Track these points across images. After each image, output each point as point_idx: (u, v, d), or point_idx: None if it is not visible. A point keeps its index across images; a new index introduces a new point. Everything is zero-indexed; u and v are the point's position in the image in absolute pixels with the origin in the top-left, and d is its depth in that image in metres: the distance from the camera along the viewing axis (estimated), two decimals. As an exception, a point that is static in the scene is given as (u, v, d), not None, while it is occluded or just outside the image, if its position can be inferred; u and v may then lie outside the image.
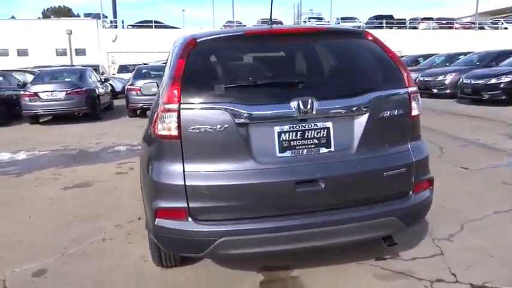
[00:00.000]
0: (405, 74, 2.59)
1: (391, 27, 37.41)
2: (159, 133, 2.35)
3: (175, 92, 2.31)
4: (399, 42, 35.24)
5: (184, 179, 2.32)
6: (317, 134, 2.42)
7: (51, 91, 11.10)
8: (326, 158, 2.43)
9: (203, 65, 2.47)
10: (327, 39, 2.78)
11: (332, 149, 2.45)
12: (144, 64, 16.89)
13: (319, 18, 39.22)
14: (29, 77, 13.82)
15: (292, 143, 2.39)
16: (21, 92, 11.20)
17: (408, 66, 18.54)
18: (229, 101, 2.31)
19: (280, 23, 34.08)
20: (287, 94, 2.36)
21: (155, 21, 32.95)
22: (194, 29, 33.37)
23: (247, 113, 2.31)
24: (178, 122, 2.30)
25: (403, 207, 2.53)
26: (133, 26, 34.53)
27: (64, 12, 61.60)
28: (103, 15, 35.63)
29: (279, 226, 2.35)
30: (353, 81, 2.55)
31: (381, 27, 36.82)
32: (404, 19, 39.31)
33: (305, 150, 2.41)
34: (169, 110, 2.31)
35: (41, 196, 4.97)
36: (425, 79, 14.90)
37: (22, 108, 11.13)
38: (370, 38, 2.68)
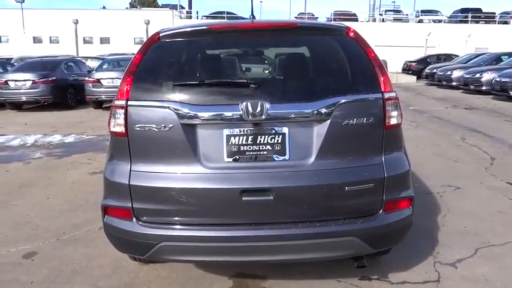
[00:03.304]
0: (381, 78, 2.27)
1: (477, 22, 34.47)
2: (111, 129, 2.31)
3: (125, 88, 2.25)
4: (486, 38, 32.46)
5: (129, 179, 2.26)
6: (271, 140, 2.21)
7: (113, 78, 11.68)
8: (279, 166, 2.22)
9: (159, 61, 2.37)
10: (299, 36, 2.52)
11: (287, 157, 2.22)
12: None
13: (397, 11, 37.25)
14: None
15: (242, 148, 2.22)
16: (86, 78, 11.95)
17: (486, 64, 17.11)
18: (175, 100, 2.20)
19: (312, 15, 32.65)
20: (237, 95, 2.18)
21: (227, 12, 33.45)
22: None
23: (193, 114, 2.18)
24: (125, 119, 2.24)
25: (367, 228, 2.24)
26: (207, 17, 35.33)
27: (149, 2, 64.80)
28: (180, 6, 36.93)
29: (222, 236, 2.20)
30: (315, 84, 2.28)
31: (466, 22, 34.12)
32: (494, 13, 35.99)
33: (256, 157, 2.22)
34: (118, 107, 2.26)
35: (66, 179, 5.24)
36: (503, 80, 13.53)
37: (86, 93, 11.88)
38: (351, 35, 2.39)
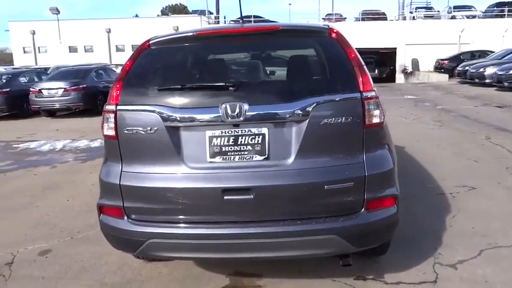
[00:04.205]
0: (360, 78, 2.28)
1: (514, 16, 33.07)
2: (104, 133, 2.44)
3: (115, 93, 2.38)
4: (524, 33, 31.10)
5: (120, 179, 2.39)
6: (251, 141, 2.28)
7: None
8: (259, 166, 2.28)
9: (148, 67, 2.48)
10: (281, 38, 2.58)
11: (267, 157, 2.28)
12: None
13: (428, 8, 36.29)
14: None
15: (223, 148, 2.30)
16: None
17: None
18: (159, 104, 2.31)
19: (341, 16, 31.90)
20: (218, 98, 2.26)
21: (255, 16, 33.67)
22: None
23: (176, 116, 2.29)
24: (115, 123, 2.37)
25: (348, 226, 2.26)
26: (234, 21, 35.68)
27: (180, 9, 66.04)
28: (209, 11, 37.48)
29: (205, 234, 2.28)
30: (294, 85, 2.33)
31: (502, 16, 32.82)
32: (533, 6, 34.39)
33: (237, 157, 2.30)
34: (109, 111, 2.39)
35: (87, 182, 5.48)
36: None
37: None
38: (333, 36, 2.42)
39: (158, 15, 55.54)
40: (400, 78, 29.93)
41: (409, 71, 29.58)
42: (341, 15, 34.04)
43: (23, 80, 13.97)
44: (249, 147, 2.28)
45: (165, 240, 2.34)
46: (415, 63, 29.71)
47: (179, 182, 2.31)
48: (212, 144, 2.30)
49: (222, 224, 2.30)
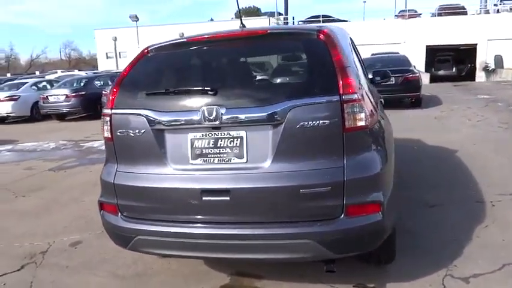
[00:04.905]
0: (340, 81, 2.21)
1: None
2: (104, 135, 2.63)
3: (111, 98, 2.56)
4: None
5: (114, 178, 2.55)
6: (230, 143, 2.32)
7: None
8: (237, 169, 2.31)
9: (142, 72, 2.61)
10: (269, 42, 2.57)
11: (245, 160, 2.30)
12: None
13: (516, 0, 33.16)
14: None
15: (204, 150, 2.36)
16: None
17: None
18: (146, 108, 2.43)
19: (415, 12, 29.78)
20: (198, 102, 2.33)
21: (323, 16, 33.24)
22: (362, 22, 32.40)
23: (160, 120, 2.39)
24: (110, 126, 2.54)
25: (325, 232, 2.20)
26: (304, 22, 35.52)
27: (253, 12, 67.24)
28: (278, 13, 37.68)
29: (186, 232, 2.36)
30: (272, 88, 2.31)
31: None
32: None
33: (217, 159, 2.35)
34: (106, 115, 2.57)
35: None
36: None
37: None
38: (321, 37, 2.37)
39: (232, 18, 57.01)
40: (481, 76, 27.75)
41: (491, 69, 27.31)
42: (415, 11, 32.34)
43: (98, 83, 15.20)
44: (228, 150, 2.33)
45: (150, 237, 2.47)
46: (499, 60, 27.33)
47: (163, 182, 2.42)
48: (194, 146, 2.38)
49: (202, 224, 2.37)
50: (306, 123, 2.20)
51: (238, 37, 2.62)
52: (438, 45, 28.87)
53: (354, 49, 3.08)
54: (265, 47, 2.60)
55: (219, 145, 2.34)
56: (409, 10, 32.10)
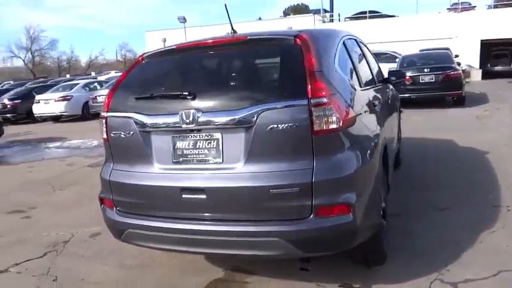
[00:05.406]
0: (309, 85, 2.26)
1: None
2: (102, 136, 2.85)
3: (107, 101, 2.78)
4: None
5: (110, 175, 2.78)
6: (208, 145, 2.45)
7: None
8: (214, 169, 2.44)
9: (135, 78, 2.82)
10: (248, 48, 2.66)
11: (221, 160, 2.43)
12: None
13: None
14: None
15: (185, 151, 2.51)
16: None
17: None
18: (135, 111, 2.62)
19: (469, 5, 27.84)
20: (178, 106, 2.47)
21: (370, 11, 32.44)
22: (411, 16, 31.23)
23: (146, 122, 2.58)
24: (106, 128, 2.76)
25: (294, 231, 2.27)
26: (350, 18, 34.89)
27: (301, 9, 66.85)
28: (324, 10, 37.25)
29: (169, 228, 2.53)
30: (245, 93, 2.39)
31: None
32: None
33: (196, 160, 2.49)
34: (102, 117, 2.80)
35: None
36: None
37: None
38: (298, 42, 2.44)
39: (281, 17, 56.95)
40: (543, 72, 25.95)
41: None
42: (469, 4, 30.78)
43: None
44: (206, 151, 2.47)
45: (139, 231, 2.67)
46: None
47: (150, 180, 2.60)
48: (176, 147, 2.54)
49: (183, 220, 2.52)
50: (276, 126, 2.29)
51: (221, 44, 2.76)
52: (494, 40, 27.27)
53: (348, 52, 3.10)
54: (245, 53, 2.70)
55: (198, 146, 2.49)
56: (462, 3, 30.59)
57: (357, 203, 2.35)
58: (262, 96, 2.35)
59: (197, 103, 2.44)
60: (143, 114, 2.60)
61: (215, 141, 2.45)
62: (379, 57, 17.23)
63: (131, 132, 2.64)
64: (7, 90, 19.69)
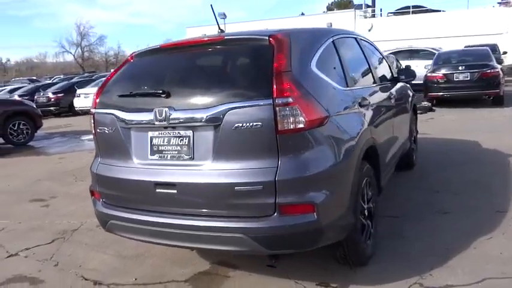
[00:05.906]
0: (275, 85, 2.28)
1: None
2: (92, 131, 3.02)
3: (95, 98, 2.94)
4: None
5: (97, 168, 2.94)
6: (180, 142, 2.54)
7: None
8: (185, 165, 2.53)
9: (122, 77, 2.95)
10: (223, 48, 2.72)
11: (192, 157, 2.51)
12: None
13: None
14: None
15: (160, 147, 2.61)
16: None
17: None
18: (117, 108, 2.76)
19: (508, 2, 25.80)
20: (154, 103, 2.57)
21: (414, 6, 31.42)
22: (458, 11, 29.93)
23: (125, 119, 2.71)
24: (94, 123, 2.92)
25: (257, 228, 2.31)
26: (393, 14, 33.97)
27: (345, 4, 65.67)
28: (366, 5, 36.48)
29: (143, 220, 2.64)
30: (215, 92, 2.44)
31: None
32: None
33: (169, 156, 2.58)
34: (91, 113, 2.96)
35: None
36: None
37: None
38: (272, 42, 2.48)
39: (324, 12, 56.23)
40: None
41: None
42: (509, 2, 29.12)
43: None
44: (179, 148, 2.56)
45: (119, 222, 2.81)
46: None
47: (128, 174, 2.73)
48: (152, 143, 2.65)
49: (156, 213, 2.63)
50: (242, 125, 2.34)
51: (199, 44, 2.85)
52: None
53: (337, 51, 3.08)
54: (220, 53, 2.77)
55: (171, 143, 2.59)
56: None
57: (323, 203, 2.36)
58: (230, 95, 2.41)
59: (171, 101, 2.54)
60: (123, 111, 2.73)
61: (187, 138, 2.54)
62: (418, 53, 16.79)
63: (114, 128, 2.78)
64: (54, 84, 20.85)
